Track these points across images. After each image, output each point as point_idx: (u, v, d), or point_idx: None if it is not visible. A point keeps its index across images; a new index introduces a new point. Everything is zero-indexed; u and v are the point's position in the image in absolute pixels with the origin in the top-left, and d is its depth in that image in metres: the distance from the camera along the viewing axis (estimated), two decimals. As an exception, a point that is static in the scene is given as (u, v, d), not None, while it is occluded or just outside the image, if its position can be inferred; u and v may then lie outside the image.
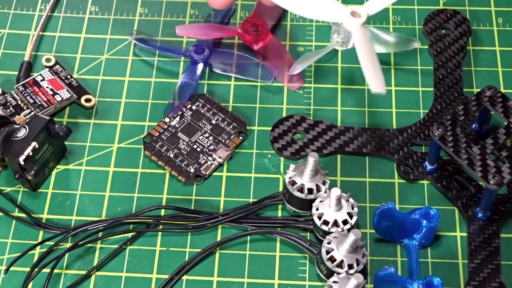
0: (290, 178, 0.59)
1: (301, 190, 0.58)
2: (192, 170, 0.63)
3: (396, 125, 0.66)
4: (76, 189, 0.63)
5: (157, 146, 0.64)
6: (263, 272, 0.59)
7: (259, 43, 0.70)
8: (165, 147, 0.64)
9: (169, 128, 0.65)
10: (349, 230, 0.56)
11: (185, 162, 0.63)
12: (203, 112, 0.66)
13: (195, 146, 0.64)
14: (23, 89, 0.66)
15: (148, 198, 0.63)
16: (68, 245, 0.59)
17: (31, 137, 0.60)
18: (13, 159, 0.60)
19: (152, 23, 0.73)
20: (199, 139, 0.65)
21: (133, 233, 0.60)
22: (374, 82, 0.59)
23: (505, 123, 0.59)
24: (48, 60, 0.69)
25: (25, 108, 0.65)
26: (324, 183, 0.59)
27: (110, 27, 0.73)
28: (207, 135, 0.65)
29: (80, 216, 0.62)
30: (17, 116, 0.65)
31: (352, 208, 0.58)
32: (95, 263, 0.59)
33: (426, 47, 0.71)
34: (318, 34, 0.72)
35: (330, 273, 0.56)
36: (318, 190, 0.59)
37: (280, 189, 0.63)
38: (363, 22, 0.62)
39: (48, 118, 0.61)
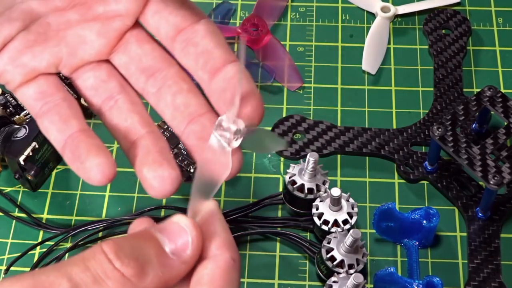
0: (290, 178, 0.59)
1: (301, 190, 0.58)
2: (192, 170, 0.63)
3: (396, 125, 0.66)
4: (76, 189, 0.63)
5: (157, 146, 0.64)
6: (263, 272, 0.59)
7: (259, 43, 0.70)
8: (165, 147, 0.64)
9: (169, 128, 0.65)
10: (349, 230, 0.56)
11: (185, 162, 0.63)
12: (203, 112, 0.66)
13: (195, 146, 0.64)
14: (23, 89, 0.66)
15: (148, 198, 0.62)
16: (68, 245, 0.59)
17: (31, 137, 0.60)
18: (13, 159, 0.60)
19: (152, 23, 0.73)
20: (199, 139, 0.65)
21: (133, 233, 0.60)
22: (369, 62, 0.70)
23: (505, 123, 0.59)
24: (48, 60, 0.69)
25: (25, 108, 0.65)
26: (324, 183, 0.59)
27: (110, 27, 0.73)
28: (207, 135, 0.65)
29: (80, 216, 0.62)
30: (17, 116, 0.65)
31: (352, 208, 0.58)
32: (95, 263, 0.59)
33: (426, 47, 0.71)
34: (318, 34, 0.72)
35: (330, 273, 0.56)
36: (318, 190, 0.59)
37: (280, 189, 0.63)
38: (389, 17, 0.72)
39: (48, 118, 0.61)
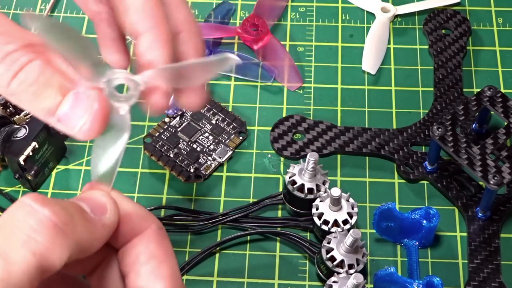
0: (290, 178, 0.59)
1: (301, 190, 0.58)
2: (192, 170, 0.63)
3: (396, 125, 0.66)
4: (76, 189, 0.63)
5: (157, 146, 0.64)
6: (263, 272, 0.59)
7: (259, 43, 0.70)
8: (165, 147, 0.64)
9: (169, 128, 0.65)
10: (349, 230, 0.56)
11: (185, 162, 0.63)
12: (203, 112, 0.66)
13: (195, 146, 0.64)
14: (23, 89, 0.66)
15: (148, 198, 0.63)
16: (68, 245, 0.59)
17: (31, 137, 0.60)
18: (13, 159, 0.60)
19: (152, 23, 0.73)
20: (199, 139, 0.65)
21: (133, 233, 0.60)
22: (369, 62, 0.70)
23: (505, 123, 0.59)
24: (48, 60, 0.69)
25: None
26: (324, 183, 0.59)
27: (110, 27, 0.73)
28: (207, 135, 0.65)
29: (80, 216, 0.62)
30: (17, 116, 0.65)
31: (352, 208, 0.58)
32: (95, 263, 0.59)
33: (426, 47, 0.71)
34: (318, 34, 0.72)
35: (330, 273, 0.56)
36: (318, 190, 0.59)
37: (280, 189, 0.63)
38: (389, 17, 0.72)
39: (48, 118, 0.61)
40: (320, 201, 0.58)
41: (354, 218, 0.57)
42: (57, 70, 0.37)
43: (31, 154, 0.60)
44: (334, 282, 0.54)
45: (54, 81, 0.37)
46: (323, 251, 0.56)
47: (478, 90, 0.62)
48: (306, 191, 0.58)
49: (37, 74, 0.36)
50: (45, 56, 0.37)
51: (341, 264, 0.55)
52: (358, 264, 0.55)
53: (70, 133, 0.37)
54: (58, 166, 0.64)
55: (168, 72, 0.40)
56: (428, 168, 0.63)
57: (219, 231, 0.61)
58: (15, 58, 0.36)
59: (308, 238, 0.60)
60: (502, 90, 0.65)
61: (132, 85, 0.39)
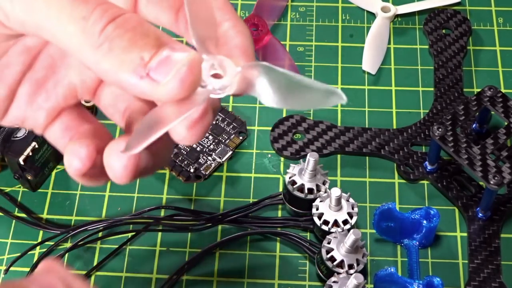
0: (290, 178, 0.59)
1: (301, 190, 0.58)
2: (192, 170, 0.63)
3: (396, 125, 0.66)
4: (76, 189, 0.63)
5: (157, 146, 0.64)
6: (263, 272, 0.59)
7: (259, 43, 0.70)
8: (165, 147, 0.64)
9: (169, 128, 0.65)
10: (349, 230, 0.56)
11: (185, 162, 0.63)
12: (203, 112, 0.66)
13: (195, 146, 0.64)
14: (23, 89, 0.66)
15: (148, 198, 0.63)
16: (68, 245, 0.59)
17: (31, 137, 0.60)
18: (13, 159, 0.60)
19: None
20: (199, 139, 0.65)
21: (133, 233, 0.60)
22: (370, 62, 0.70)
23: (505, 123, 0.59)
24: (48, 60, 0.69)
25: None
26: (324, 183, 0.59)
27: (110, 27, 0.73)
28: (207, 135, 0.65)
29: (80, 216, 0.62)
30: (17, 116, 0.65)
31: (352, 208, 0.57)
32: (95, 263, 0.59)
33: (426, 47, 0.71)
34: (318, 34, 0.72)
35: (330, 273, 0.56)
36: (318, 190, 0.59)
37: (280, 189, 0.63)
38: (389, 16, 0.72)
39: (48, 118, 0.61)
40: (320, 201, 0.58)
41: (354, 218, 0.57)
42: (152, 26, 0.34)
43: (31, 154, 0.60)
44: (334, 282, 0.54)
45: (151, 32, 0.33)
46: (323, 251, 0.56)
47: (479, 90, 0.62)
48: (306, 191, 0.58)
49: (135, 22, 0.33)
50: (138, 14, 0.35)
51: (341, 264, 0.55)
52: (358, 264, 0.55)
53: (153, 91, 0.33)
54: (58, 166, 0.64)
55: (273, 74, 0.35)
56: (428, 168, 0.63)
57: (219, 231, 0.61)
58: (111, 7, 0.33)
59: (308, 238, 0.60)
60: (503, 90, 0.65)
61: (228, 73, 0.34)
